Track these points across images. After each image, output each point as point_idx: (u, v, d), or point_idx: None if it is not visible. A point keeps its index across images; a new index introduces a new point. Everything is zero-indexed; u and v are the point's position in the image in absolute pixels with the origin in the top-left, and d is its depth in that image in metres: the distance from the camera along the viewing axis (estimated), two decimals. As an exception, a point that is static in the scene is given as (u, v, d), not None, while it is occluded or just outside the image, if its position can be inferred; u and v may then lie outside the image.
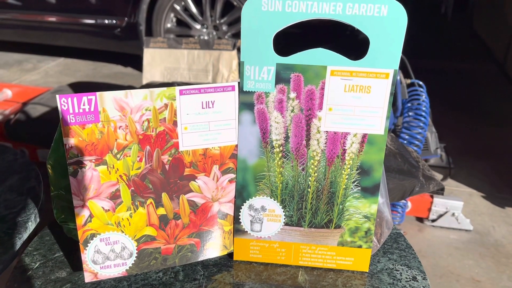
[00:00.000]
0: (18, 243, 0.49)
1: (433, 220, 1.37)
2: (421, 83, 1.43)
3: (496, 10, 2.80)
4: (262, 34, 0.39)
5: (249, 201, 0.45)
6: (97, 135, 0.39)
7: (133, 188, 0.41)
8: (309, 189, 0.44)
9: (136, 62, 2.60)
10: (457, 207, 1.35)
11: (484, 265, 1.24)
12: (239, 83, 0.41)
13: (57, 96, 0.36)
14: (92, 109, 0.38)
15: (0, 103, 1.91)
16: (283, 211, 0.45)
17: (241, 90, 0.41)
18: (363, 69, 0.40)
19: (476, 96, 2.32)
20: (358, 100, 0.41)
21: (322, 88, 0.41)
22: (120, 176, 0.40)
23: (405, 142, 1.32)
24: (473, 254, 1.28)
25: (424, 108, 1.35)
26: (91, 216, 0.41)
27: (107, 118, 0.39)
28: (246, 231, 0.46)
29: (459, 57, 2.90)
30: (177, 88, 0.40)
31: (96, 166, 0.39)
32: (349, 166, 0.43)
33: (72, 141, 0.38)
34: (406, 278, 0.46)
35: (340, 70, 0.40)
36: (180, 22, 2.24)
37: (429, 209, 1.36)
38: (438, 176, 1.62)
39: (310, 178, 0.43)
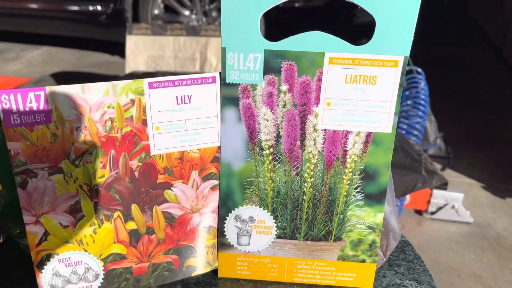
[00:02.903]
0: (-29, 261, 0.43)
1: (433, 213, 1.32)
2: (419, 70, 1.37)
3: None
4: (247, 15, 0.33)
5: (235, 211, 0.38)
6: (49, 138, 0.32)
7: (96, 200, 0.35)
8: (304, 197, 0.38)
9: (123, 51, 2.51)
10: (457, 199, 1.30)
11: (485, 259, 1.20)
12: (220, 73, 0.35)
13: (-5, 92, 0.30)
14: (41, 108, 0.31)
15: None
16: (275, 222, 0.39)
17: (223, 82, 0.35)
18: (368, 56, 0.33)
19: (474, 82, 2.26)
20: (362, 93, 0.35)
21: (319, 79, 0.34)
22: (80, 186, 0.34)
23: (404, 132, 1.27)
24: (474, 248, 1.23)
25: (423, 96, 1.30)
26: (46, 234, 0.34)
27: (61, 117, 0.32)
28: (232, 245, 0.40)
29: (455, 43, 2.84)
30: (146, 80, 0.33)
31: (50, 175, 0.33)
32: (350, 170, 0.37)
33: (17, 146, 0.32)
34: (416, 295, 0.40)
35: (341, 58, 0.34)
36: (168, 8, 2.15)
37: (428, 202, 1.31)
38: (437, 167, 1.57)
39: (305, 184, 0.37)
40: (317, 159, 0.37)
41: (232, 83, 0.35)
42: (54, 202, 0.34)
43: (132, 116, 0.34)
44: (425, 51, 2.63)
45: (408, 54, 0.34)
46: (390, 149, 0.36)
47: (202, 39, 1.08)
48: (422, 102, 1.29)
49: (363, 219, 0.38)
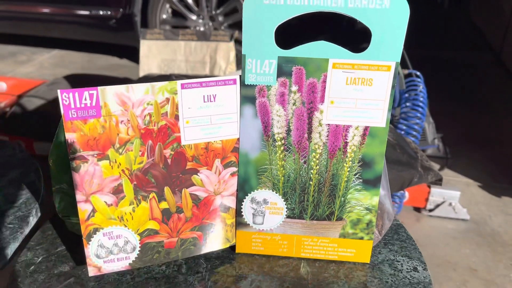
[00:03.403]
0: (20, 238, 0.49)
1: (431, 210, 1.38)
2: (418, 73, 1.43)
3: (491, 1, 2.79)
4: (263, 27, 0.39)
5: (251, 194, 0.45)
6: (99, 130, 0.39)
7: (135, 183, 0.41)
8: (311, 182, 0.44)
9: (131, 54, 2.58)
10: (454, 197, 1.36)
11: (480, 254, 1.25)
12: (240, 76, 0.41)
13: (58, 91, 0.36)
14: (93, 104, 0.38)
15: (-5, 96, 1.89)
16: (285, 204, 0.45)
17: (242, 84, 0.41)
18: (365, 62, 0.40)
19: (473, 85, 2.32)
20: (360, 93, 0.41)
21: (324, 81, 0.41)
22: (123, 170, 0.40)
23: (403, 132, 1.33)
24: (470, 243, 1.29)
25: (421, 99, 1.36)
26: (94, 210, 0.41)
27: (108, 112, 0.38)
28: (248, 224, 0.46)
29: (456, 47, 2.89)
30: (179, 82, 0.40)
31: (99, 161, 0.39)
32: (350, 158, 0.43)
33: (73, 136, 0.38)
34: (407, 269, 0.46)
35: (342, 63, 0.40)
36: (175, 13, 2.23)
37: (427, 199, 1.37)
38: (435, 166, 1.63)
39: (311, 171, 0.44)
40: (322, 150, 0.43)
41: (250, 84, 0.41)
42: (101, 183, 0.40)
43: (166, 112, 0.40)
44: (426, 54, 2.69)
45: (399, 60, 0.40)
46: (384, 141, 0.43)
47: (212, 44, 1.15)
48: (421, 104, 1.35)
49: (361, 201, 0.44)
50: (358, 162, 0.43)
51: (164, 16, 2.21)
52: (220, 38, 1.13)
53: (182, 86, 0.40)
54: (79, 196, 0.40)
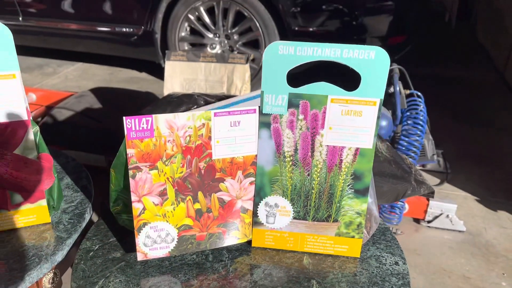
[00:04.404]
0: (79, 230, 0.61)
1: (429, 221, 1.48)
2: (419, 93, 1.54)
3: (497, 20, 2.90)
4: (278, 71, 0.51)
5: (265, 199, 0.57)
6: (151, 147, 0.51)
7: (176, 188, 0.53)
8: (313, 190, 0.56)
9: (150, 68, 2.73)
10: (451, 209, 1.46)
11: (474, 263, 1.34)
12: (259, 107, 0.53)
13: (124, 118, 0.48)
14: (149, 127, 0.50)
15: (27, 107, 2.03)
16: (292, 208, 0.57)
17: (261, 113, 0.53)
18: (356, 98, 0.52)
19: (476, 103, 2.42)
20: (352, 122, 0.53)
21: (324, 112, 0.52)
22: (167, 178, 0.52)
23: (404, 148, 1.43)
24: (465, 253, 1.38)
25: (421, 117, 1.46)
26: (144, 209, 0.53)
27: (159, 134, 0.51)
28: (263, 223, 0.58)
29: (461, 65, 2.99)
30: (212, 111, 0.52)
31: (150, 171, 0.52)
32: (345, 173, 0.55)
33: (133, 151, 0.50)
34: (390, 262, 0.57)
35: (338, 99, 0.52)
36: (193, 31, 2.37)
37: (425, 211, 1.47)
38: (435, 181, 1.73)
39: (314, 182, 0.55)
40: (322, 165, 0.55)
41: (267, 113, 0.53)
42: (150, 188, 0.52)
43: (202, 134, 0.52)
44: (431, 72, 2.80)
45: (382, 97, 0.52)
46: (372, 159, 0.54)
47: (230, 66, 1.27)
48: (421, 122, 1.45)
49: (353, 207, 0.56)
50: (351, 176, 0.55)
51: (183, 34, 2.35)
52: (237, 61, 1.26)
53: (215, 115, 0.52)
54: (133, 197, 0.52)
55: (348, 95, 0.51)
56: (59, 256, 0.57)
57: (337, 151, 0.54)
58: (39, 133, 0.59)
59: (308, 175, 0.55)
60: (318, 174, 0.55)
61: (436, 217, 1.47)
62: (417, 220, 1.51)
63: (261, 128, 0.54)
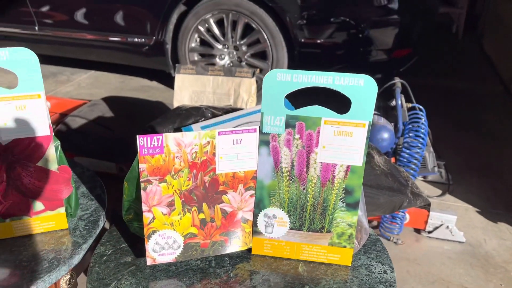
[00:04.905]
0: (94, 236, 0.67)
1: (429, 232, 1.52)
2: (421, 107, 1.58)
3: (504, 32, 2.92)
4: (276, 95, 0.56)
5: (264, 210, 0.62)
6: (161, 162, 0.56)
7: (183, 199, 0.58)
8: (308, 203, 0.60)
9: (160, 77, 2.81)
10: (451, 220, 1.49)
11: (473, 273, 1.38)
12: (259, 127, 0.59)
13: (137, 136, 0.54)
14: (159, 145, 0.56)
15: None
16: (289, 219, 0.62)
17: (261, 132, 0.59)
18: (347, 120, 0.57)
19: (480, 115, 2.45)
20: (344, 141, 0.58)
21: (318, 132, 0.58)
22: (175, 190, 0.58)
23: (405, 160, 1.48)
24: (464, 263, 1.42)
25: (422, 130, 1.51)
26: (153, 218, 0.58)
27: (168, 150, 0.56)
28: (262, 233, 0.63)
29: (467, 77, 3.02)
30: (217, 130, 0.57)
31: (159, 183, 0.57)
32: (337, 187, 0.59)
33: (144, 166, 0.56)
34: (379, 271, 0.62)
35: (331, 120, 0.57)
36: (203, 42, 2.44)
37: (426, 222, 1.51)
38: (437, 192, 1.76)
39: (308, 195, 0.60)
40: (316, 180, 0.60)
41: (266, 132, 0.58)
42: (159, 199, 0.58)
43: (207, 151, 0.58)
44: (436, 83, 2.83)
45: (371, 120, 0.57)
46: (362, 175, 0.59)
47: (237, 79, 1.33)
48: (422, 135, 1.49)
49: (345, 219, 0.61)
50: (343, 190, 0.60)
51: (193, 45, 2.42)
52: (243, 75, 1.32)
53: (219, 133, 0.57)
54: (144, 207, 0.57)
55: (340, 118, 0.57)
56: (76, 260, 0.62)
57: (330, 167, 0.59)
58: (59, 147, 0.65)
59: (304, 189, 0.60)
60: (313, 188, 0.60)
61: (437, 227, 1.51)
62: (417, 231, 1.55)
63: (261, 146, 0.59)
